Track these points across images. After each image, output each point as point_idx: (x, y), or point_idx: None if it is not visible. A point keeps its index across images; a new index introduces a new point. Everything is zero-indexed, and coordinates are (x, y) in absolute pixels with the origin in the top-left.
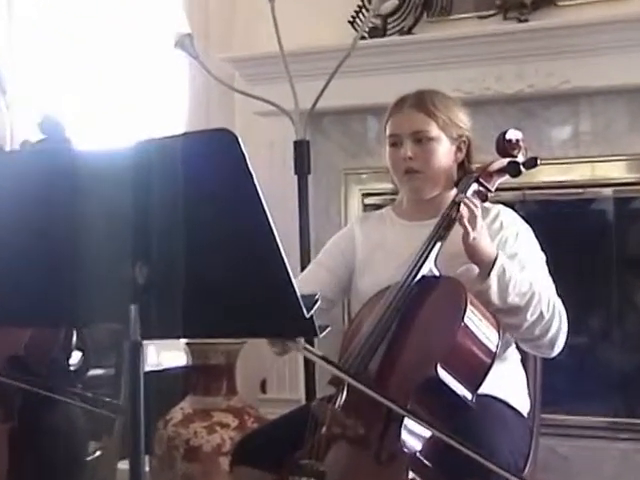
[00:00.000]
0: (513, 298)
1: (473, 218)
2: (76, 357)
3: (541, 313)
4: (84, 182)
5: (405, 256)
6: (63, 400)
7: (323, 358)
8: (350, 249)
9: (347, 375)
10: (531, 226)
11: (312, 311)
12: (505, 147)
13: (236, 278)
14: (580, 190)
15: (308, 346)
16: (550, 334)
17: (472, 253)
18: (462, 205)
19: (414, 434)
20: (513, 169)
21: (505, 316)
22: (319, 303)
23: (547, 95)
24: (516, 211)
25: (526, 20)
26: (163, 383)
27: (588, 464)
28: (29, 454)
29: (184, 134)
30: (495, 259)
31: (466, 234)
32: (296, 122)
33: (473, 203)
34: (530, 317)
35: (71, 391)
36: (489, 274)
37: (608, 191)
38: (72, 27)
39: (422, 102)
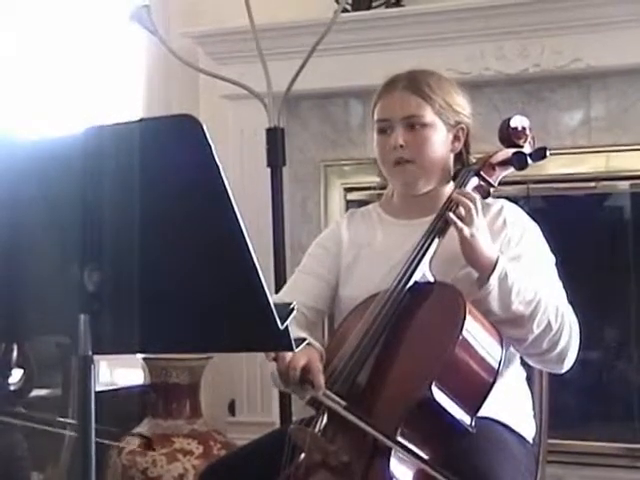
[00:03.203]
0: (517, 306)
1: (469, 213)
2: (17, 375)
3: (549, 324)
4: (25, 174)
5: (395, 259)
6: (1, 424)
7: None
8: (336, 252)
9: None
10: (537, 224)
11: (287, 322)
12: (510, 136)
13: (201, 284)
14: (592, 184)
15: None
16: (559, 347)
17: (469, 254)
18: (455, 203)
19: (405, 463)
20: (519, 161)
21: (508, 327)
22: (295, 312)
23: (555, 76)
24: (520, 207)
25: None
26: (117, 404)
27: None
28: None
29: (141, 120)
30: (496, 262)
31: (459, 231)
32: (269, 107)
33: (468, 196)
34: (536, 329)
35: (11, 414)
36: (489, 278)
37: (624, 185)
38: None
39: (416, 83)
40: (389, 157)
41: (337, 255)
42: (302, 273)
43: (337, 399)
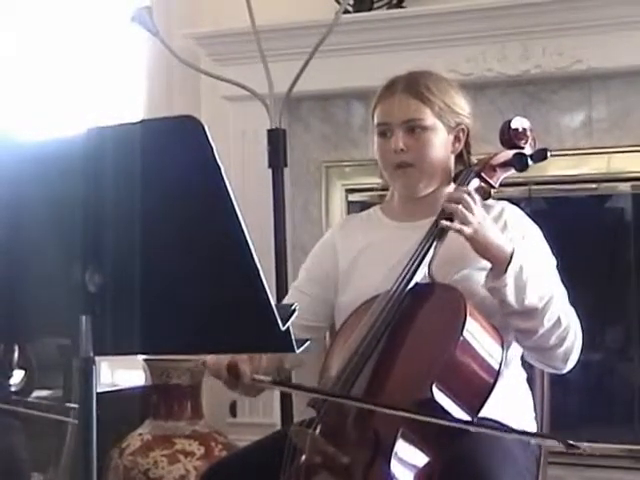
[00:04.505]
0: (531, 299)
1: (461, 215)
2: (18, 376)
3: (559, 319)
4: (26, 175)
5: (395, 261)
6: (2, 425)
7: (297, 387)
8: (332, 262)
9: (330, 395)
10: (539, 226)
11: (288, 323)
12: (510, 137)
13: (202, 286)
14: (594, 185)
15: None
16: (566, 345)
17: (479, 249)
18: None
19: (406, 464)
20: (519, 162)
21: (520, 319)
22: (296, 314)
23: (556, 77)
24: (521, 209)
25: None
26: (118, 405)
27: None
28: None
29: (142, 121)
30: (512, 254)
31: (460, 233)
32: (270, 108)
33: (454, 199)
34: (547, 322)
35: (12, 414)
36: (505, 271)
37: (626, 186)
38: None
39: (415, 86)
40: (390, 161)
41: (332, 265)
42: (297, 290)
43: (264, 378)
